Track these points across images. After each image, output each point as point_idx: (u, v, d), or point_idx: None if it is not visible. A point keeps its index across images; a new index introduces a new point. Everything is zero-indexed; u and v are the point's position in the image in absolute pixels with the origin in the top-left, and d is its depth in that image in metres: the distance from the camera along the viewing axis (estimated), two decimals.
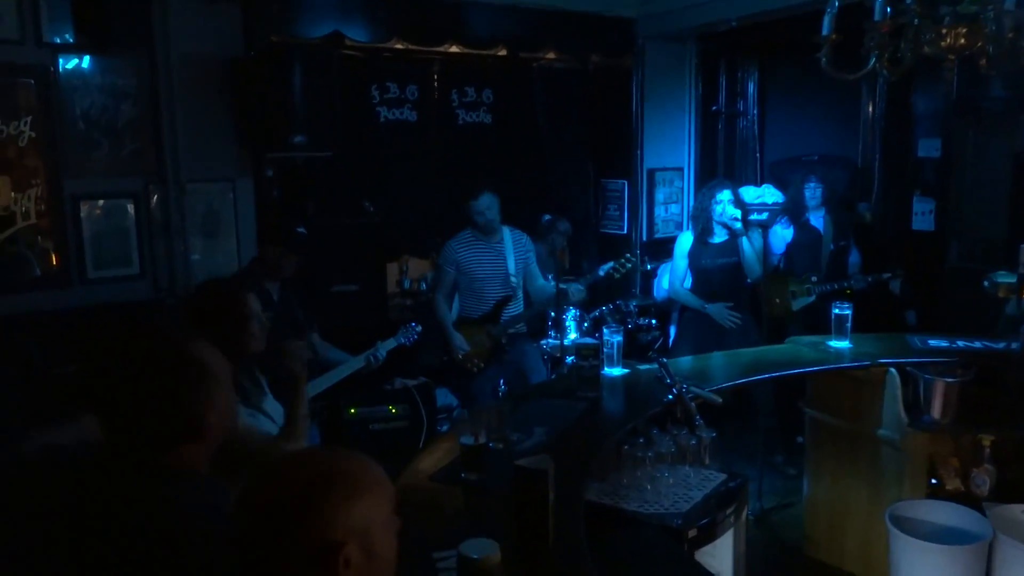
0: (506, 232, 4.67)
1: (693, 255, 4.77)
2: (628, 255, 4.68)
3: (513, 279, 4.62)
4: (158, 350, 1.60)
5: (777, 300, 5.03)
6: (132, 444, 1.54)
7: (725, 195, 4.64)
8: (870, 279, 4.99)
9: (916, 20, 2.55)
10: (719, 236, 4.69)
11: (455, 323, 4.68)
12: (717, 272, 4.71)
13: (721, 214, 4.62)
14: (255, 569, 1.21)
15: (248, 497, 1.25)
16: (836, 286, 4.96)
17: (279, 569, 1.19)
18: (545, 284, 4.73)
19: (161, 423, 1.54)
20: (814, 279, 5.04)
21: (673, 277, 4.89)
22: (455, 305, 4.79)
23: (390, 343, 4.11)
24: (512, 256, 4.63)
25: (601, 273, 4.67)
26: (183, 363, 1.58)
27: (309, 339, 4.00)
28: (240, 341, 2.44)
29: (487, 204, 4.57)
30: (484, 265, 4.62)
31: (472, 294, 4.67)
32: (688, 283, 4.87)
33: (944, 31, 2.52)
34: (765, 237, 4.65)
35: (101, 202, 4.26)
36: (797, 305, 5.03)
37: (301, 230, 3.91)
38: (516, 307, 4.69)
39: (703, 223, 4.72)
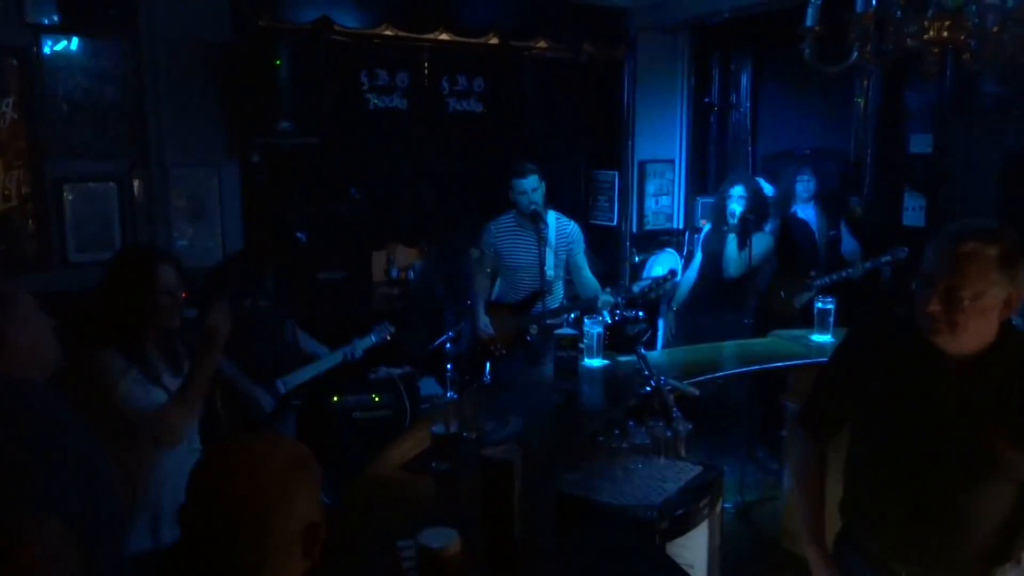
0: (551, 218, 4.35)
1: (706, 241, 4.86)
2: (668, 275, 4.42)
3: (549, 272, 4.27)
4: None
5: (780, 299, 4.99)
6: None
7: (736, 190, 4.65)
8: (868, 265, 4.79)
9: (899, 12, 2.53)
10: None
11: (489, 304, 4.53)
12: (713, 263, 4.75)
13: (732, 213, 4.62)
14: (242, 553, 1.24)
15: (222, 483, 1.25)
16: (836, 277, 4.80)
17: (267, 551, 1.24)
18: (591, 279, 4.42)
19: None
20: (812, 274, 4.96)
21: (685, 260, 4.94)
22: (497, 287, 4.62)
23: (367, 341, 4.01)
24: (552, 246, 4.29)
25: (636, 290, 4.38)
26: None
27: (287, 327, 3.93)
28: (146, 310, 2.41)
29: (532, 185, 4.17)
30: (519, 253, 4.34)
31: (507, 280, 4.47)
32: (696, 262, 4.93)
33: (927, 24, 2.49)
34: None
35: (84, 185, 4.24)
36: (800, 302, 4.95)
37: (300, 236, 3.79)
38: (552, 301, 4.36)
39: (717, 215, 4.78)
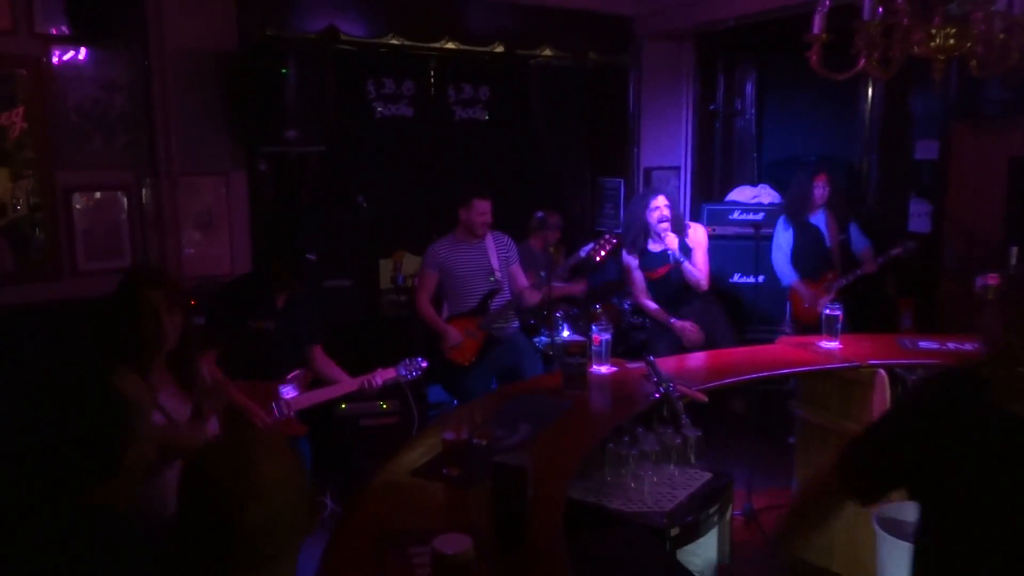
0: (487, 235, 4.66)
1: (642, 267, 4.78)
2: (607, 235, 4.54)
3: (497, 273, 4.59)
4: (77, 386, 1.57)
5: (805, 307, 5.00)
6: (49, 484, 1.50)
7: (661, 201, 4.61)
8: (880, 260, 4.92)
9: (905, 20, 2.53)
10: (657, 244, 4.68)
11: (446, 321, 4.62)
12: (662, 282, 4.70)
13: (659, 220, 4.58)
14: (277, 528, 1.31)
15: (253, 475, 1.31)
16: (852, 277, 4.93)
17: (295, 526, 1.35)
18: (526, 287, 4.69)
19: (77, 463, 1.50)
20: (829, 277, 5.01)
21: (636, 289, 4.85)
22: (444, 309, 4.77)
23: (389, 373, 3.80)
24: (494, 254, 4.62)
25: (583, 254, 4.59)
26: (101, 399, 1.56)
27: (309, 353, 3.78)
28: (136, 333, 2.38)
29: (489, 208, 4.54)
30: (467, 263, 4.59)
31: (457, 292, 4.62)
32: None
33: (933, 31, 2.50)
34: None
35: (93, 194, 4.26)
36: (822, 307, 4.97)
37: (311, 256, 3.71)
38: (503, 301, 4.62)
39: (637, 233, 4.70)
